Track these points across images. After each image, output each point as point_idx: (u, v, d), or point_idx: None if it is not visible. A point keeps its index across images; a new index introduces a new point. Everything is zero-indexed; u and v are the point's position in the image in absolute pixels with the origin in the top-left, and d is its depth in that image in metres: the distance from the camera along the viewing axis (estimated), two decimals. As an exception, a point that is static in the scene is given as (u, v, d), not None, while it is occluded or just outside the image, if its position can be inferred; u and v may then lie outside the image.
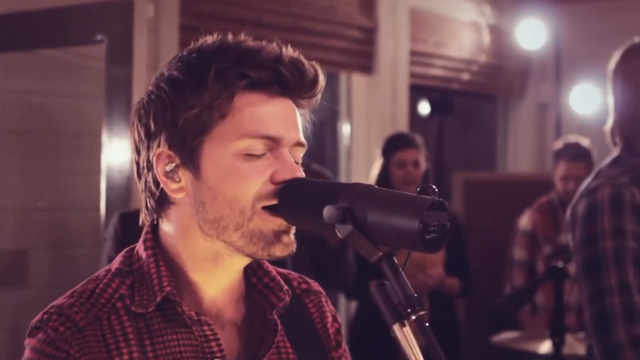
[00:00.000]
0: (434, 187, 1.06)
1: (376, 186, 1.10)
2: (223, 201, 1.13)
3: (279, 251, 1.15)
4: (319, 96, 1.22)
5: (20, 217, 3.45)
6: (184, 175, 1.15)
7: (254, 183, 1.13)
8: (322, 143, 5.23)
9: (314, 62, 1.19)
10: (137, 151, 1.19)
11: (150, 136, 1.16)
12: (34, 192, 3.45)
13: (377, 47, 4.93)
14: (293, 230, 1.16)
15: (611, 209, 1.92)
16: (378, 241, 1.05)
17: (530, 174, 5.81)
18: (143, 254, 1.18)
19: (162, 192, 1.17)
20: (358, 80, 5.05)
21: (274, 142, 1.15)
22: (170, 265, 1.18)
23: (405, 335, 1.03)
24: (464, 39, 5.55)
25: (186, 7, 3.94)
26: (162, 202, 1.18)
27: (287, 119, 1.17)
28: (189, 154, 1.14)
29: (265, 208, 1.13)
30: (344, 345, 1.33)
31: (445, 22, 5.43)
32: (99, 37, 2.87)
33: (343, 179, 5.00)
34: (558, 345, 3.04)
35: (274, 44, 1.17)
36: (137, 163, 1.19)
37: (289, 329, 1.24)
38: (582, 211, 1.97)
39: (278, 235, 1.15)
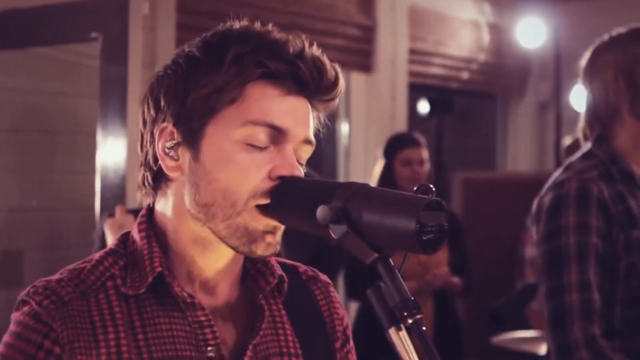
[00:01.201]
0: (431, 186, 1.03)
1: (373, 185, 1.07)
2: (217, 188, 1.10)
3: (260, 250, 1.12)
4: (337, 100, 1.19)
5: (15, 216, 3.42)
6: (183, 154, 1.13)
7: (251, 178, 1.10)
8: (320, 142, 5.20)
9: (336, 65, 1.16)
10: (144, 123, 1.16)
11: (158, 110, 1.14)
12: (28, 192, 3.43)
13: (376, 45, 4.90)
14: (280, 231, 1.13)
15: (577, 204, 1.89)
16: (374, 242, 1.01)
17: (530, 173, 5.78)
18: (137, 236, 1.16)
19: (160, 168, 1.15)
20: (357, 79, 5.03)
21: (278, 134, 1.12)
22: (163, 246, 1.15)
23: (402, 340, 0.99)
24: (463, 38, 5.53)
25: (183, 5, 3.91)
26: (158, 178, 1.16)
27: (296, 114, 1.14)
28: (191, 133, 1.11)
29: (257, 207, 1.10)
30: (352, 343, 1.30)
31: (444, 20, 5.40)
32: (93, 34, 2.84)
33: (342, 179, 4.97)
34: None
35: (300, 39, 1.14)
36: (142, 135, 1.17)
37: (292, 314, 1.22)
38: (547, 204, 1.94)
39: (263, 234, 1.11)
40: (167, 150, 1.13)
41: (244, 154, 1.10)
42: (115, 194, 2.81)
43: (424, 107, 4.93)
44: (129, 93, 2.80)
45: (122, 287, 1.12)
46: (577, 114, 5.87)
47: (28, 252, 3.43)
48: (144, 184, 1.18)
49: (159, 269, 1.12)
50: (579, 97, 5.63)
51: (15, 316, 1.11)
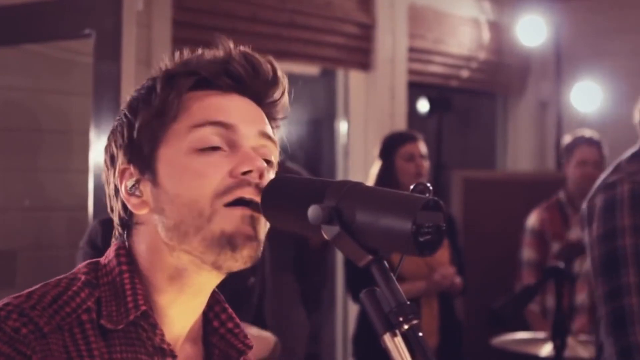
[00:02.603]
0: (429, 184, 0.98)
1: (366, 184, 1.02)
2: (181, 203, 1.06)
3: (246, 251, 1.06)
4: (286, 100, 1.17)
5: (7, 216, 3.38)
6: (145, 188, 1.10)
7: (210, 179, 1.06)
8: (319, 141, 5.17)
9: (270, 58, 1.14)
10: (107, 181, 1.15)
11: (113, 160, 1.13)
12: (21, 192, 3.39)
13: (374, 43, 4.85)
14: (260, 221, 1.08)
15: (631, 206, 1.89)
16: (368, 243, 0.97)
17: (530, 173, 5.75)
18: (116, 268, 1.10)
19: (130, 214, 1.12)
20: (355, 77, 4.98)
21: (228, 133, 1.09)
22: (142, 285, 1.10)
23: (397, 347, 0.95)
24: (463, 36, 5.49)
25: (179, 2, 3.86)
26: (129, 224, 1.13)
27: (241, 111, 1.12)
28: (145, 162, 1.10)
29: (227, 205, 1.06)
30: None
31: (444, 18, 5.36)
32: (86, 31, 2.79)
33: (340, 178, 4.93)
34: (559, 348, 2.98)
35: (226, 42, 1.13)
36: (109, 194, 1.15)
37: None
38: (600, 205, 1.93)
39: (241, 231, 1.06)
40: (130, 191, 1.11)
41: (198, 159, 1.08)
42: (109, 194, 2.76)
43: (423, 105, 4.89)
44: (123, 91, 2.75)
45: (99, 319, 1.06)
46: (577, 112, 5.92)
47: (21, 252, 3.39)
48: (119, 234, 1.15)
49: (144, 307, 1.07)
50: (579, 96, 5.60)
51: None
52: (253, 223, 1.07)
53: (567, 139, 4.38)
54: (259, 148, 1.11)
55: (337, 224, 0.97)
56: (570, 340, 3.16)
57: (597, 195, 1.96)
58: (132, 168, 1.10)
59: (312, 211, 0.98)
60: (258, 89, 1.13)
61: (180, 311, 1.12)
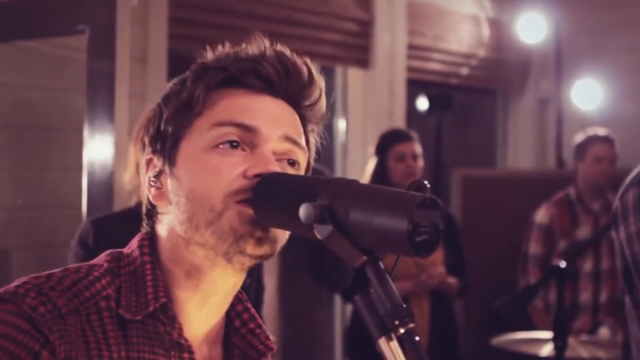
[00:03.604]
0: (426, 182, 0.94)
1: (361, 182, 0.98)
2: (194, 198, 1.06)
3: (250, 247, 1.04)
4: (322, 104, 1.15)
5: (0, 215, 3.35)
6: (165, 180, 1.10)
7: (223, 178, 1.04)
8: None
9: (306, 59, 1.11)
10: (139, 166, 1.20)
11: (144, 148, 1.14)
12: (14, 190, 3.35)
13: (373, 40, 4.82)
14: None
15: None
16: (362, 244, 0.93)
17: (530, 171, 5.71)
18: (138, 259, 1.09)
19: (153, 203, 1.13)
20: (354, 75, 4.95)
21: (250, 135, 1.06)
22: (163, 276, 1.09)
23: (393, 351, 0.91)
24: (463, 33, 5.45)
25: (176, -2, 3.83)
26: (153, 213, 1.13)
27: (267, 112, 1.08)
28: (167, 154, 1.09)
29: (239, 202, 1.04)
30: None
31: (443, 14, 5.32)
32: (80, 27, 2.75)
33: (338, 176, 4.88)
34: (560, 348, 2.95)
35: (262, 40, 1.11)
36: (142, 181, 1.17)
37: None
38: (633, 201, 1.89)
39: (251, 230, 1.04)
40: (152, 181, 1.11)
41: (215, 156, 1.06)
42: (103, 192, 2.72)
43: (422, 103, 4.85)
44: (117, 88, 2.70)
45: (118, 308, 1.05)
46: (578, 110, 5.91)
47: (16, 251, 3.36)
48: (146, 223, 1.15)
49: (164, 299, 1.06)
50: (579, 93, 5.56)
51: None
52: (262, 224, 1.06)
53: (580, 137, 4.39)
54: (281, 151, 1.09)
55: (330, 223, 0.94)
56: (571, 340, 3.13)
57: (629, 190, 1.92)
58: (155, 159, 1.11)
59: (304, 210, 0.95)
60: (292, 92, 1.11)
61: (198, 308, 1.10)
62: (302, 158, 1.11)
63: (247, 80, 1.08)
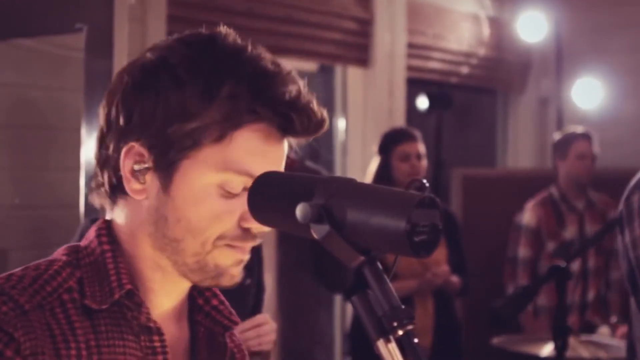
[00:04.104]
0: (425, 181, 0.93)
1: (360, 181, 0.97)
2: (186, 227, 1.04)
3: (225, 281, 1.08)
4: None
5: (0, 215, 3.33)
6: (152, 181, 1.05)
7: (221, 222, 1.05)
8: (317, 139, 5.11)
9: (323, 109, 1.08)
10: (108, 129, 1.07)
11: (129, 123, 1.05)
12: (11, 190, 3.34)
13: (373, 39, 4.80)
14: (244, 261, 1.09)
15: None
16: (359, 243, 0.92)
17: (530, 170, 5.70)
18: (97, 248, 1.07)
19: (120, 181, 1.07)
20: (354, 74, 4.93)
21: (252, 179, 1.05)
22: (125, 263, 1.08)
23: (391, 353, 0.89)
24: (463, 31, 5.43)
25: (174, -4, 3.81)
26: (116, 192, 1.08)
27: (274, 161, 1.08)
28: (166, 165, 1.04)
29: (228, 245, 1.06)
30: None
31: (443, 13, 5.30)
32: (77, 25, 2.73)
33: (338, 175, 4.88)
34: (561, 348, 2.94)
35: (292, 74, 1.07)
36: (103, 135, 1.08)
37: None
38: (639, 203, 1.87)
39: (231, 268, 1.08)
40: (134, 172, 1.05)
41: (219, 199, 1.04)
42: (100, 192, 2.71)
43: (422, 102, 4.83)
44: (115, 86, 2.69)
45: (83, 299, 1.04)
46: (578, 109, 5.90)
47: (13, 251, 3.34)
48: (97, 188, 1.09)
49: (128, 286, 1.05)
50: (580, 92, 5.55)
51: None
52: (242, 263, 1.09)
53: (558, 135, 4.39)
54: None
55: (327, 222, 0.92)
56: (571, 340, 3.11)
57: (635, 193, 1.91)
58: (146, 155, 1.04)
59: (300, 209, 0.93)
60: (299, 136, 1.09)
61: (165, 286, 1.10)
62: None
63: (273, 127, 1.05)
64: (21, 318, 0.98)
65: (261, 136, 1.05)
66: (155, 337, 1.07)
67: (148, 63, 1.06)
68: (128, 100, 1.05)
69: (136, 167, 1.05)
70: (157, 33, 3.70)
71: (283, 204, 0.96)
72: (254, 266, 2.79)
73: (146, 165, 1.05)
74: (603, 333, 3.85)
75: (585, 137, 4.24)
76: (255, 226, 1.05)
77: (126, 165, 1.05)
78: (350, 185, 0.94)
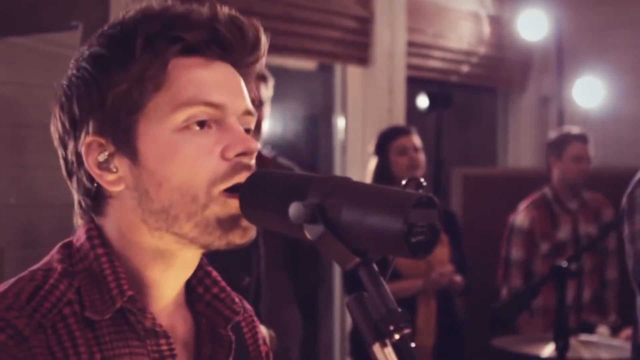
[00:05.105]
0: (422, 179, 0.90)
1: (356, 180, 0.93)
2: (170, 187, 0.99)
3: (237, 238, 1.01)
4: (263, 61, 1.09)
5: (-6, 214, 3.31)
6: (121, 164, 1.01)
7: (203, 164, 0.99)
8: (316, 137, 5.10)
9: (254, 20, 1.06)
10: (63, 145, 1.04)
11: (76, 124, 1.02)
12: (7, 188, 3.32)
13: (373, 37, 4.77)
14: None
15: None
16: (355, 244, 0.88)
17: (531, 169, 5.67)
18: (91, 252, 1.02)
19: (98, 186, 1.03)
20: (353, 72, 4.90)
21: (217, 111, 1.01)
22: (123, 266, 1.03)
23: (387, 358, 0.86)
24: (463, 30, 5.40)
25: (172, -5, 3.78)
26: (98, 198, 1.04)
27: (230, 85, 1.04)
28: (122, 137, 1.00)
29: (224, 191, 0.99)
30: None
31: (444, 12, 5.28)
32: (73, 22, 2.70)
33: (338, 174, 4.84)
34: (562, 349, 2.92)
35: (207, 4, 1.04)
36: (65, 159, 1.05)
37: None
38: None
39: (238, 219, 1.00)
40: (101, 165, 1.01)
41: (187, 141, 0.99)
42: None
43: (422, 101, 4.80)
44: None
45: (84, 312, 0.99)
46: (579, 108, 5.88)
47: (8, 250, 3.32)
48: (81, 208, 1.05)
49: (130, 292, 1.00)
50: (581, 91, 5.52)
51: None
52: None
53: (553, 134, 4.35)
54: (242, 122, 1.04)
55: (321, 223, 0.89)
56: (572, 341, 3.09)
57: (637, 188, 1.90)
58: (103, 140, 1.01)
59: (294, 209, 0.90)
60: (242, 54, 1.06)
61: (169, 278, 1.06)
62: (253, 124, 1.08)
63: (206, 49, 1.03)
64: (21, 347, 0.93)
65: (196, 62, 1.02)
66: (162, 341, 1.02)
67: (71, 66, 1.06)
68: (65, 105, 1.04)
69: (100, 158, 1.02)
70: (155, 31, 3.67)
71: (276, 204, 0.94)
72: (253, 264, 2.77)
73: (108, 152, 1.01)
74: (602, 333, 3.83)
75: (582, 138, 4.19)
76: (243, 150, 1.00)
77: (90, 162, 1.02)
78: (346, 184, 0.91)
